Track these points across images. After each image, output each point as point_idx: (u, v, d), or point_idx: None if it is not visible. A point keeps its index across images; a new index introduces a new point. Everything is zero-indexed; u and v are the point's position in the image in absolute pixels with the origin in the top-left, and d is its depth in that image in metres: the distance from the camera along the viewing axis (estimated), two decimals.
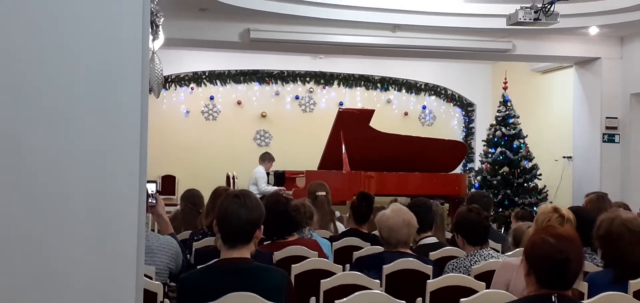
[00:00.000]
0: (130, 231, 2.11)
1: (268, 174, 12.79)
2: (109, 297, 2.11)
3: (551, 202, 11.44)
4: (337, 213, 8.06)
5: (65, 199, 2.09)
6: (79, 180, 2.10)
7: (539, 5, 8.69)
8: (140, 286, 2.22)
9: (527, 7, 8.74)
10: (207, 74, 14.65)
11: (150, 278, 4.10)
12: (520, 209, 9.57)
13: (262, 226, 3.45)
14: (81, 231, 2.09)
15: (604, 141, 12.00)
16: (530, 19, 8.72)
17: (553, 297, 2.95)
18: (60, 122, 2.10)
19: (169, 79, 14.32)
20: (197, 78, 14.63)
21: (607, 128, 11.98)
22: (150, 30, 2.52)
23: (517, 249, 5.20)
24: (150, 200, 4.65)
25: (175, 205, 7.48)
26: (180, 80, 14.53)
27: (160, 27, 3.49)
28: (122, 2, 2.13)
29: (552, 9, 8.65)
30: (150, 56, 2.68)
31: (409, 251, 4.85)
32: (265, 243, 5.03)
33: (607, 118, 11.97)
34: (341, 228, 7.05)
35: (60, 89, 2.10)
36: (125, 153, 2.10)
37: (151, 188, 4.71)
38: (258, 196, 10.81)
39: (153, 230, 5.75)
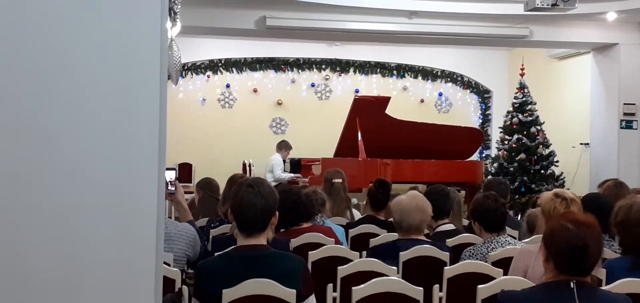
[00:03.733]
0: (150, 218, 2.12)
1: (284, 161, 12.81)
2: (129, 283, 2.12)
3: (568, 189, 11.39)
4: (354, 200, 8.07)
5: (85, 186, 2.10)
6: (99, 168, 2.11)
7: None
8: (159, 272, 2.23)
9: None
10: (223, 61, 14.67)
11: (168, 265, 4.13)
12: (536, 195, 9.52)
13: (277, 213, 3.46)
14: (101, 218, 2.10)
15: (621, 128, 11.92)
16: (548, 5, 8.67)
17: (571, 284, 2.94)
18: (80, 111, 2.11)
19: (186, 67, 14.34)
20: (213, 66, 14.66)
21: (625, 114, 11.89)
22: (168, 17, 2.52)
23: (535, 236, 5.19)
24: (169, 187, 4.68)
25: (192, 192, 7.50)
26: (197, 68, 14.57)
27: (178, 14, 3.50)
28: None
29: None
30: (168, 43, 2.69)
31: (423, 238, 4.85)
32: (281, 230, 5.04)
33: (625, 104, 11.88)
34: (357, 215, 7.06)
35: (80, 78, 2.11)
36: (145, 140, 2.11)
37: (170, 175, 4.75)
38: (273, 183, 10.85)
39: (171, 217, 5.79)
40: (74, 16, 2.11)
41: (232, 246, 3.51)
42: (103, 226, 2.10)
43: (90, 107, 2.11)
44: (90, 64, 2.11)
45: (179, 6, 3.77)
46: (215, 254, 3.71)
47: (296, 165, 12.87)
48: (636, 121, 11.91)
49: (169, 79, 3.52)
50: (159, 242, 2.19)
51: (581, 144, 13.16)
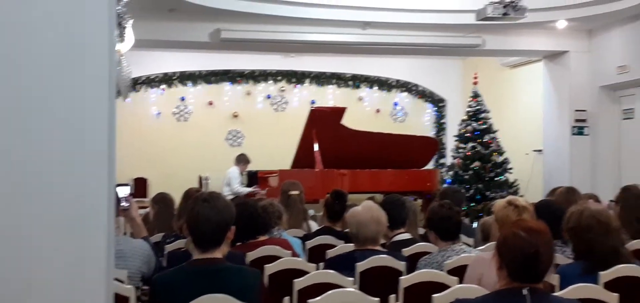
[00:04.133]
0: (100, 235, 2.09)
1: (241, 174, 12.75)
2: (78, 301, 2.09)
3: (522, 195, 11.54)
4: (311, 212, 8.06)
5: (33, 204, 2.07)
6: (46, 186, 2.08)
7: (507, 0, 8.76)
8: (110, 289, 2.20)
9: (495, 2, 8.82)
10: (177, 74, 14.58)
11: (122, 282, 4.07)
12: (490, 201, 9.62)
13: (234, 227, 3.44)
14: (49, 236, 2.07)
15: (573, 134, 12.11)
16: (498, 14, 8.81)
17: (524, 290, 2.97)
18: (27, 127, 2.07)
19: (140, 81, 14.23)
20: (168, 79, 14.55)
21: (576, 120, 12.09)
22: (117, 33, 2.50)
23: (489, 243, 5.24)
24: (123, 203, 4.63)
25: (147, 207, 7.43)
26: (151, 81, 14.44)
27: (129, 29, 3.46)
28: (88, 6, 2.11)
29: (519, 4, 8.74)
30: (117, 59, 2.66)
31: (379, 248, 4.86)
32: (237, 244, 5.01)
33: (576, 110, 12.08)
34: (314, 226, 7.05)
35: (27, 95, 2.08)
36: (93, 157, 2.08)
37: (124, 191, 4.70)
38: (231, 196, 10.71)
39: (126, 234, 5.72)
40: (20, 32, 2.08)
41: (188, 261, 3.48)
42: (51, 244, 2.07)
43: (38, 123, 2.08)
44: (38, 80, 2.08)
45: (129, 22, 3.74)
46: (170, 268, 3.67)
47: (253, 178, 12.83)
48: (587, 127, 12.11)
49: (118, 95, 3.49)
50: (110, 259, 2.16)
51: (534, 151, 13.34)
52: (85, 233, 2.09)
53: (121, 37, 2.94)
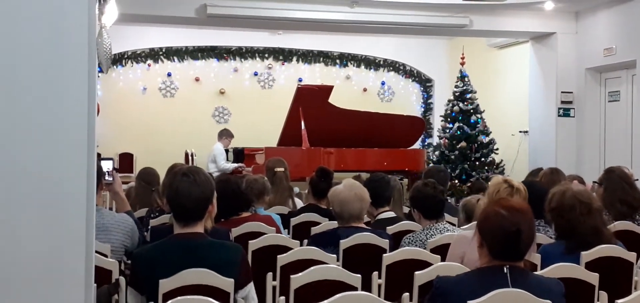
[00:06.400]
0: (79, 209, 2.08)
1: (227, 151, 12.73)
2: (58, 274, 2.08)
3: (508, 176, 11.58)
4: (296, 189, 8.07)
5: (11, 180, 2.05)
6: (25, 160, 2.06)
7: None
8: (90, 264, 2.20)
9: None
10: (164, 50, 14.50)
11: (106, 256, 4.07)
12: (475, 180, 9.64)
13: (215, 202, 3.43)
14: (28, 210, 2.05)
15: (559, 116, 12.14)
16: None
17: (505, 268, 2.99)
18: (5, 101, 2.05)
19: (126, 56, 14.16)
20: (154, 54, 14.47)
21: (562, 102, 12.11)
22: (97, 5, 2.48)
23: (473, 222, 5.25)
24: (106, 178, 4.63)
25: (131, 182, 7.40)
26: (137, 56, 14.37)
27: (112, 2, 3.43)
28: None
29: None
30: (98, 31, 2.64)
31: (363, 225, 4.88)
32: (221, 220, 5.01)
33: (562, 92, 12.10)
34: (300, 204, 7.06)
35: (4, 69, 2.05)
36: (72, 130, 2.07)
37: (107, 165, 4.70)
38: (217, 173, 10.68)
39: (112, 209, 5.72)
40: None
41: (169, 235, 3.47)
42: (30, 219, 2.05)
43: (16, 99, 2.05)
44: (15, 56, 2.05)
45: None
46: (152, 243, 3.66)
47: (239, 154, 12.81)
48: (573, 108, 12.14)
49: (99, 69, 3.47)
50: (90, 232, 2.15)
51: (520, 132, 13.38)
52: (63, 207, 2.08)
53: (102, 9, 2.90)
